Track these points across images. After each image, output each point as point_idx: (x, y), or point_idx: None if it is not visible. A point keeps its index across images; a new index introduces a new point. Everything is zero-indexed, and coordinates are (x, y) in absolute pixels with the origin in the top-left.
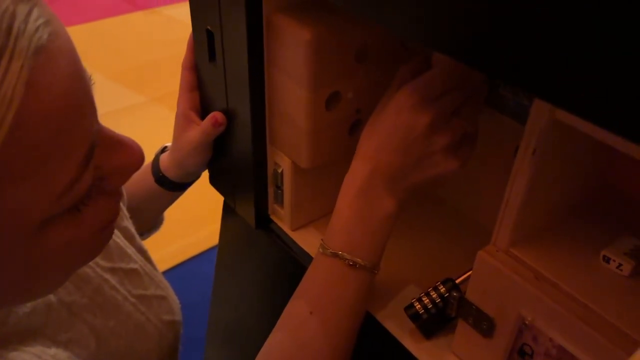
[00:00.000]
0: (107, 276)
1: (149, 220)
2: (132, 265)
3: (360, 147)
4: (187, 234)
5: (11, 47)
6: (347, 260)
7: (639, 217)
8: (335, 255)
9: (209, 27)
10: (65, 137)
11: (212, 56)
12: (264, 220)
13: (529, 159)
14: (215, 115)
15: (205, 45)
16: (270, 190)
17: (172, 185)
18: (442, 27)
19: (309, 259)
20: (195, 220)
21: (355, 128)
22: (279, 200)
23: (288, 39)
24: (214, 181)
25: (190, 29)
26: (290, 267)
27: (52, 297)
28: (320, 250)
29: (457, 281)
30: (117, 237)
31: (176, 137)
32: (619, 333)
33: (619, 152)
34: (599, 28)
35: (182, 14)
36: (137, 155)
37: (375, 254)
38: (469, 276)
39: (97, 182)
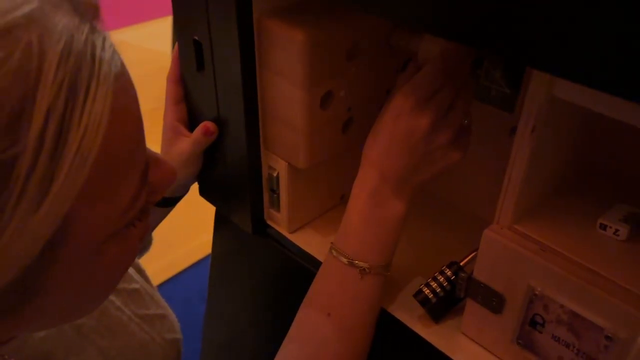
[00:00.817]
0: (112, 297)
1: None
2: (134, 286)
3: (365, 153)
4: (162, 256)
5: (97, 74)
6: (360, 267)
7: (626, 187)
8: (348, 261)
9: (196, 38)
10: (135, 155)
11: (200, 66)
12: (260, 226)
13: (529, 136)
14: (207, 125)
15: (192, 55)
16: (266, 194)
17: (162, 201)
18: (441, 11)
19: (310, 259)
20: (177, 238)
21: (347, 126)
22: (275, 204)
23: (281, 41)
24: (204, 192)
25: (140, 52)
26: (291, 269)
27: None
28: (333, 253)
29: (461, 264)
30: None
31: (165, 151)
32: (625, 291)
33: (606, 129)
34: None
35: (132, 38)
36: (171, 170)
37: (387, 256)
38: (472, 257)
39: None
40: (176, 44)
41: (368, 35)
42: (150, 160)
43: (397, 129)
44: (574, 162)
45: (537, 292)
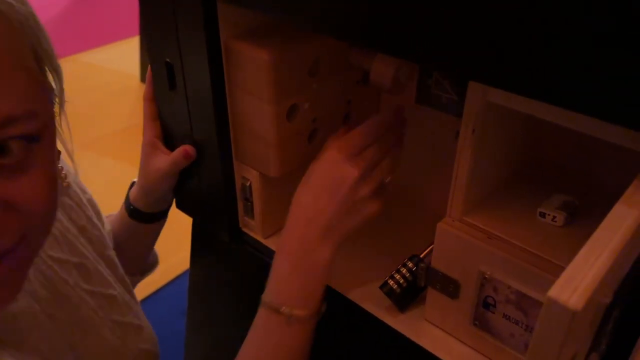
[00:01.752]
0: (87, 297)
1: (136, 259)
2: (111, 292)
3: (296, 199)
4: None
5: None
6: (287, 314)
7: (565, 179)
8: (276, 310)
9: (167, 60)
10: None
11: (172, 85)
12: (236, 233)
13: (470, 137)
14: (187, 148)
15: (164, 76)
16: (240, 203)
17: (143, 216)
18: (384, 29)
19: None
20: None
21: (313, 136)
22: (249, 212)
23: (248, 61)
24: (181, 205)
25: (106, 73)
26: (268, 273)
27: (36, 306)
28: (261, 305)
29: (421, 256)
30: (99, 264)
31: (144, 165)
32: (562, 270)
33: (546, 126)
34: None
35: (100, 60)
36: None
37: (314, 303)
38: (430, 250)
39: None
40: (149, 67)
41: (328, 53)
42: None
43: (328, 178)
44: (519, 157)
45: (486, 276)
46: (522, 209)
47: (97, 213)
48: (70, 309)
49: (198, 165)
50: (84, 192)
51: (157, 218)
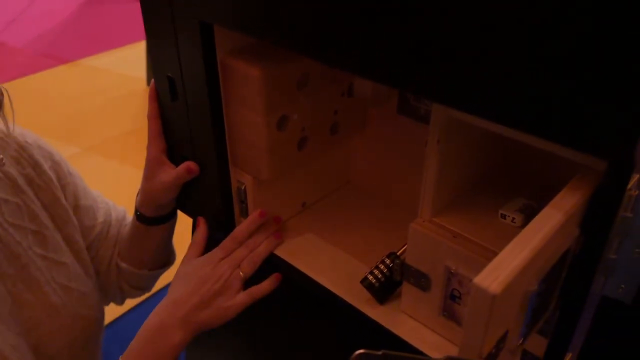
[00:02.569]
0: (37, 260)
1: (150, 258)
2: (64, 260)
3: (170, 287)
4: None
5: None
6: None
7: (526, 183)
8: None
9: (169, 75)
10: None
11: (174, 97)
12: None
13: (435, 147)
14: (190, 165)
15: (167, 89)
16: (236, 205)
17: (150, 220)
18: (361, 55)
19: (276, 259)
20: None
21: (302, 144)
22: (244, 212)
23: (241, 77)
24: (182, 207)
25: (111, 77)
26: (260, 270)
27: None
28: None
29: (397, 253)
30: (57, 235)
31: (149, 178)
32: None
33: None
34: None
35: (104, 64)
36: None
37: None
38: (405, 248)
39: None
40: (151, 82)
41: (315, 68)
42: None
43: (196, 275)
44: (484, 163)
45: (452, 271)
46: (485, 210)
47: (65, 175)
48: (18, 266)
49: (199, 168)
50: (52, 158)
51: (165, 220)
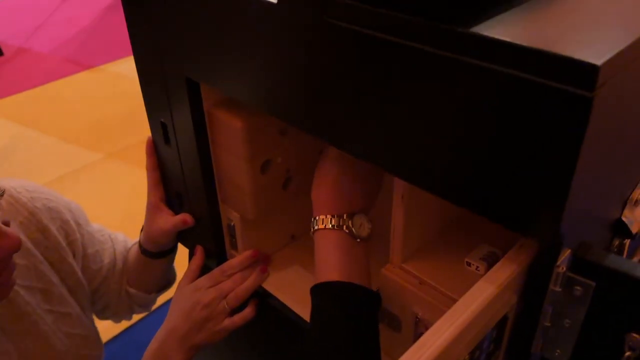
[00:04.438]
0: (44, 315)
1: (154, 282)
2: (68, 310)
3: (168, 313)
4: None
5: None
6: None
7: (493, 228)
8: None
9: (162, 120)
10: None
11: (167, 141)
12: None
13: (400, 202)
14: (186, 218)
15: (161, 132)
16: (227, 238)
17: (153, 255)
18: (331, 124)
19: (264, 291)
20: None
21: (287, 183)
22: (234, 246)
23: (225, 127)
24: (180, 239)
25: (134, 83)
26: (249, 299)
27: None
28: None
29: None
30: (62, 288)
31: (149, 224)
32: None
33: None
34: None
35: (126, 70)
36: (9, 240)
37: None
38: (377, 291)
39: None
40: (149, 137)
41: None
42: None
43: (188, 302)
44: (452, 211)
45: (419, 316)
46: (452, 257)
47: (73, 231)
48: (27, 323)
49: (191, 208)
50: (60, 217)
51: (165, 255)
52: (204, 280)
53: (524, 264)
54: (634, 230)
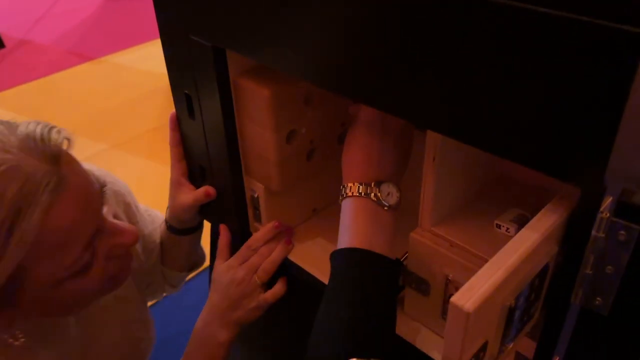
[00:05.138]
0: (112, 311)
1: (182, 260)
2: (132, 302)
3: (209, 294)
4: None
5: (34, 203)
6: None
7: (522, 194)
8: None
9: (186, 92)
10: (73, 234)
11: (191, 114)
12: (247, 236)
13: (431, 164)
14: (208, 189)
15: (185, 105)
16: (250, 211)
17: (179, 231)
18: (367, 83)
19: (288, 262)
20: None
21: (311, 155)
22: (257, 218)
23: (252, 96)
24: (203, 213)
25: (136, 74)
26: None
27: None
28: None
29: (401, 259)
30: (130, 286)
31: (172, 200)
32: None
33: None
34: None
35: (128, 61)
36: (129, 236)
37: None
38: (406, 255)
39: (107, 253)
40: (172, 112)
41: None
42: (107, 230)
43: (223, 281)
44: (481, 176)
45: (450, 277)
46: (481, 221)
47: (134, 213)
48: (95, 309)
49: (215, 181)
50: (124, 200)
51: (192, 231)
52: (234, 259)
53: (565, 215)
54: None
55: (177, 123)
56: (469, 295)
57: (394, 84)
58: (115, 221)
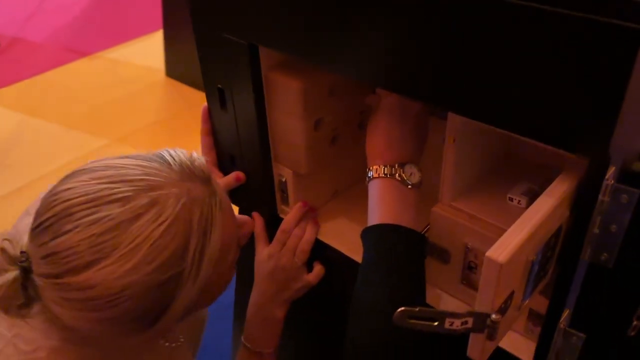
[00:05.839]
0: None
1: None
2: None
3: (255, 281)
4: None
5: (214, 223)
6: (254, 351)
7: (529, 171)
8: (247, 348)
9: (219, 86)
10: (233, 238)
11: (223, 106)
12: (274, 219)
13: (452, 145)
14: (239, 174)
15: (217, 97)
16: (278, 195)
17: None
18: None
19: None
20: None
21: (334, 141)
22: (285, 201)
23: (282, 89)
24: (233, 200)
25: (133, 69)
26: None
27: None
28: (242, 341)
29: (422, 232)
30: None
31: None
32: None
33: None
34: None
35: (123, 55)
36: (248, 229)
37: (273, 343)
38: (428, 227)
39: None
40: (204, 105)
41: (343, 78)
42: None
43: (267, 268)
44: (496, 155)
45: (469, 246)
46: (495, 194)
47: None
48: None
49: (245, 166)
50: None
51: None
52: (273, 246)
53: (574, 183)
54: None
55: (209, 115)
56: (501, 249)
57: (429, 76)
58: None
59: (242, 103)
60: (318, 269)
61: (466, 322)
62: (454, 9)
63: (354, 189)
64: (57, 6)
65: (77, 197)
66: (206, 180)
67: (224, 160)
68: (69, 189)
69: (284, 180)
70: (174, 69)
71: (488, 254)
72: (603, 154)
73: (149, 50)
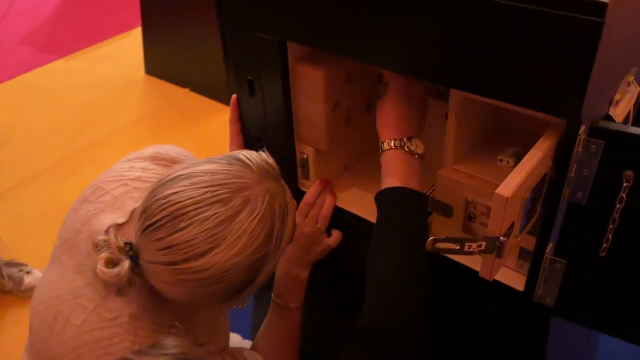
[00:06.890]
0: None
1: None
2: None
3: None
4: None
5: (289, 210)
6: (286, 306)
7: (514, 137)
8: (277, 303)
9: (249, 77)
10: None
11: (251, 94)
12: (297, 192)
13: (453, 118)
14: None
15: (246, 87)
16: (299, 170)
17: None
18: (406, 57)
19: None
20: None
21: (348, 121)
22: (305, 176)
23: (307, 77)
24: None
25: (109, 68)
26: None
27: None
28: (272, 297)
29: (428, 193)
30: None
31: None
32: None
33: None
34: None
35: (101, 55)
36: (312, 229)
37: (299, 299)
38: (433, 188)
39: None
40: (233, 96)
41: (356, 67)
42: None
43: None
44: (490, 124)
45: (469, 200)
46: (490, 157)
47: None
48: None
49: (270, 146)
50: None
51: None
52: (297, 217)
53: (555, 140)
54: (617, 121)
55: (238, 104)
56: (506, 188)
57: (437, 60)
58: None
59: (270, 91)
60: (337, 233)
61: (480, 245)
62: (455, 11)
63: (361, 164)
64: (26, 7)
65: (186, 200)
66: (278, 176)
67: (250, 144)
68: (175, 192)
69: (305, 157)
70: (154, 66)
71: (497, 191)
72: (577, 115)
73: (125, 49)
